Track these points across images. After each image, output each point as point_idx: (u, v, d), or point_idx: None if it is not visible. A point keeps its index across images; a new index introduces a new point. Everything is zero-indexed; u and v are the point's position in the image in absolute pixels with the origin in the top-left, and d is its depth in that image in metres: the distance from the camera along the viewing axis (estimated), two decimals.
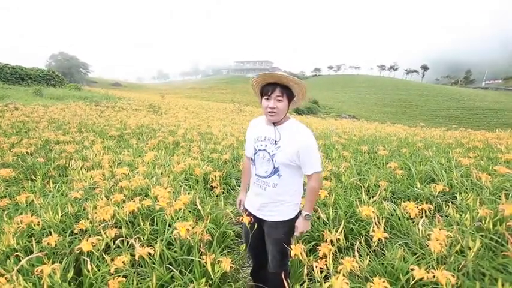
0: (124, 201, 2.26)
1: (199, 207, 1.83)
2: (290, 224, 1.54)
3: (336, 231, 1.81)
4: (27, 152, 3.99)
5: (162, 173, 2.97)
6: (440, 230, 1.55)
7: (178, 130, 5.79)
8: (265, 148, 1.48)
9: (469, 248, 1.57)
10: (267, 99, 1.41)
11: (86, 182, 2.84)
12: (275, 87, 1.40)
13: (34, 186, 2.98)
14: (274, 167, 1.46)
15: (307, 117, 17.06)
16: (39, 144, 4.56)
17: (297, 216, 1.56)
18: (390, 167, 3.16)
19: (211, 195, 2.98)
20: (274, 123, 1.48)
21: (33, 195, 2.37)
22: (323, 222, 2.26)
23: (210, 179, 3.00)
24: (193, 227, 1.74)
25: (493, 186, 2.58)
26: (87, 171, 3.14)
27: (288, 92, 1.42)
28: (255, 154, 1.54)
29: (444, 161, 3.59)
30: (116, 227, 1.99)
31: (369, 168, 3.48)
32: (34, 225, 1.88)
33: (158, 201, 1.98)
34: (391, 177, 3.21)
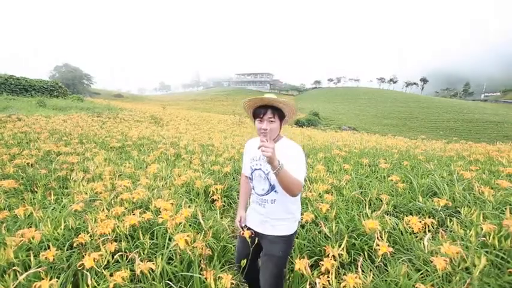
0: (124, 214, 2.24)
1: (201, 221, 1.81)
2: (289, 240, 1.58)
3: (339, 246, 1.79)
4: (28, 164, 3.99)
5: (163, 186, 2.96)
6: (448, 245, 1.53)
7: (180, 142, 5.81)
8: (261, 167, 1.55)
9: (474, 265, 1.54)
10: (260, 121, 1.48)
11: (86, 194, 2.83)
12: (266, 109, 1.47)
13: (34, 198, 2.97)
14: (270, 185, 1.53)
15: (308, 129, 17.13)
16: (40, 155, 4.57)
17: (296, 232, 1.61)
18: (392, 180, 3.14)
19: (212, 208, 2.96)
20: None
21: (32, 208, 2.35)
22: (325, 237, 2.23)
23: (211, 192, 2.98)
24: (193, 241, 1.72)
25: (495, 201, 2.56)
26: (88, 183, 3.14)
27: (279, 113, 1.50)
28: (252, 173, 1.61)
29: (446, 174, 3.58)
30: (115, 241, 1.97)
31: (370, 181, 3.46)
32: (32, 238, 1.86)
33: (159, 214, 1.97)
34: (392, 191, 3.19)
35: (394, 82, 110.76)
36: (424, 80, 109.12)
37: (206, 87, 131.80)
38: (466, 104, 63.38)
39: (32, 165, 4.08)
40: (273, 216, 1.56)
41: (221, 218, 2.65)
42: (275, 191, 1.52)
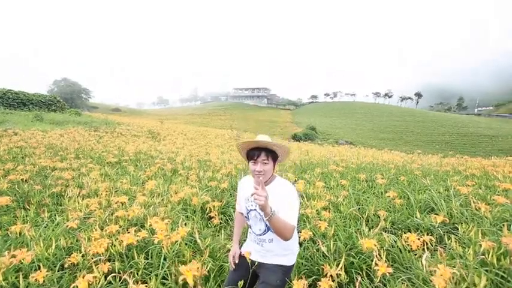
0: (119, 232, 2.20)
1: (198, 241, 1.78)
2: (288, 271, 1.59)
3: (337, 265, 1.76)
4: (22, 179, 3.94)
5: (159, 203, 2.92)
6: (444, 265, 1.52)
7: (177, 157, 5.79)
8: (256, 208, 1.57)
9: (475, 285, 1.52)
10: (254, 163, 1.51)
11: (81, 211, 2.78)
12: (260, 151, 1.50)
13: (27, 216, 2.91)
14: (266, 225, 1.55)
15: (305, 144, 17.19)
16: (35, 170, 4.52)
17: (294, 264, 1.64)
18: (389, 196, 3.14)
19: (209, 225, 2.92)
20: None
21: (25, 226, 2.30)
22: (323, 255, 2.20)
23: (208, 209, 2.95)
24: (190, 261, 1.69)
25: (493, 217, 2.56)
26: (83, 200, 3.09)
27: (272, 155, 1.53)
28: (248, 213, 1.63)
29: (442, 190, 3.58)
30: (109, 261, 1.92)
31: (368, 197, 3.45)
32: (23, 259, 1.81)
33: (154, 232, 1.93)
34: (390, 207, 3.18)
35: (390, 97, 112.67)
36: (418, 95, 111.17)
37: (204, 101, 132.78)
38: (461, 118, 64.41)
39: (26, 181, 4.02)
40: (271, 254, 1.58)
41: (218, 235, 2.61)
42: (271, 231, 1.53)
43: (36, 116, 15.66)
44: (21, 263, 1.84)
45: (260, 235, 1.58)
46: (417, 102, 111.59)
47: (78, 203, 3.00)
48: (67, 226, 2.30)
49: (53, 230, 2.48)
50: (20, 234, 2.31)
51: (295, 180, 3.96)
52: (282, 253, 1.57)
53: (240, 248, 1.74)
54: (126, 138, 10.61)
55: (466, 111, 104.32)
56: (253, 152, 1.51)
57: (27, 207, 3.13)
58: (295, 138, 31.25)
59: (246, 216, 1.66)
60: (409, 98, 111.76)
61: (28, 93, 23.07)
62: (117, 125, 15.52)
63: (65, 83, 62.61)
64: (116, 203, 2.77)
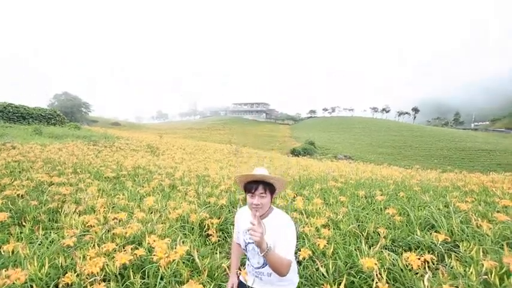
0: (116, 251, 2.16)
1: (196, 260, 1.76)
2: None
3: (338, 285, 1.72)
4: (18, 195, 3.90)
5: (157, 220, 2.89)
6: (447, 286, 1.49)
7: (176, 172, 5.77)
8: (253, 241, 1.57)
9: None
10: (251, 196, 1.53)
11: (77, 228, 2.74)
12: (258, 184, 1.51)
13: (21, 233, 2.86)
14: (264, 259, 1.53)
15: (303, 159, 17.18)
16: (32, 186, 4.47)
17: None
18: (388, 212, 3.12)
19: (207, 242, 2.87)
20: (260, 217, 1.56)
21: (19, 244, 2.26)
22: (322, 275, 2.16)
23: (206, 225, 2.91)
24: (187, 280, 1.65)
25: (494, 235, 2.53)
26: (80, 216, 3.05)
27: (270, 187, 1.55)
28: (246, 246, 1.63)
29: (442, 206, 3.57)
30: (104, 281, 1.87)
31: (367, 214, 3.43)
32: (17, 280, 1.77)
33: (152, 250, 1.90)
34: (390, 223, 3.15)
35: (387, 112, 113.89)
36: (415, 110, 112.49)
37: (203, 116, 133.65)
38: (458, 133, 64.95)
39: (22, 196, 3.97)
40: (270, 286, 1.58)
41: (216, 253, 2.56)
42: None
43: (36, 130, 15.67)
44: (14, 284, 1.79)
45: (259, 268, 1.58)
46: (414, 117, 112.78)
47: (75, 219, 2.96)
48: (62, 244, 2.26)
49: (48, 247, 2.43)
50: (12, 252, 2.26)
51: (294, 197, 3.94)
52: (282, 284, 1.56)
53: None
54: (124, 152, 10.59)
55: (463, 126, 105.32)
56: (251, 185, 1.52)
57: (23, 223, 3.09)
58: (294, 153, 31.26)
59: (244, 248, 1.66)
60: (407, 113, 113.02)
61: (28, 107, 23.23)
62: (116, 139, 15.53)
63: (65, 97, 63.13)
64: (113, 219, 2.74)
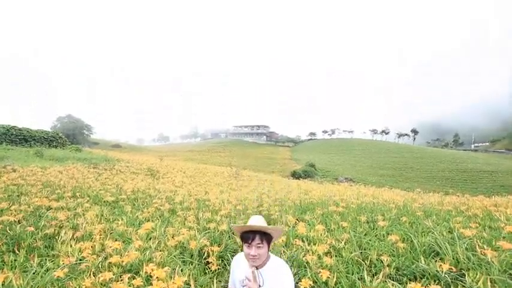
0: (112, 280, 2.10)
1: None
2: None
3: None
4: (14, 220, 3.84)
5: (155, 247, 2.83)
6: None
7: (175, 197, 5.73)
8: None
9: None
10: (248, 246, 1.51)
11: (73, 255, 2.68)
12: (255, 234, 1.50)
13: (15, 260, 2.79)
14: None
15: (304, 182, 17.04)
16: (30, 210, 4.42)
17: None
18: (391, 239, 3.06)
19: (206, 271, 2.79)
20: (257, 267, 1.55)
21: (11, 273, 2.20)
22: None
23: (206, 252, 2.85)
24: None
25: (500, 263, 2.47)
26: (77, 243, 2.99)
27: (267, 237, 1.54)
28: None
29: (446, 232, 3.51)
30: None
31: (370, 240, 3.36)
32: None
33: (150, 279, 1.85)
34: (393, 250, 3.08)
35: (386, 133, 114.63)
36: (414, 131, 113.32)
37: (204, 138, 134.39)
38: (458, 154, 64.93)
39: (19, 221, 3.92)
40: None
41: (216, 282, 2.49)
42: None
43: (37, 152, 15.74)
44: None
45: None
46: (414, 138, 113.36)
47: (71, 246, 2.90)
48: (55, 276, 2.20)
49: (42, 277, 2.36)
50: (4, 282, 2.20)
51: (295, 223, 3.88)
52: None
53: None
54: (125, 175, 10.56)
55: (463, 147, 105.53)
56: (248, 235, 1.49)
57: (17, 250, 3.02)
58: (295, 175, 31.08)
59: None
60: (406, 134, 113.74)
61: (31, 129, 23.55)
62: (116, 162, 15.53)
63: (68, 119, 64.03)
64: (111, 247, 2.69)
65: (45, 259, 2.79)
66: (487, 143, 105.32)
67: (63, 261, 2.53)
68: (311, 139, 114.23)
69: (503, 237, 3.24)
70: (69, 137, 41.47)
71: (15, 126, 22.39)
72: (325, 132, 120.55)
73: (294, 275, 2.10)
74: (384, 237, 3.47)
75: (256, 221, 1.54)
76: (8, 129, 21.36)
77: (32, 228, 3.53)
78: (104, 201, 5.45)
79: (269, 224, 3.85)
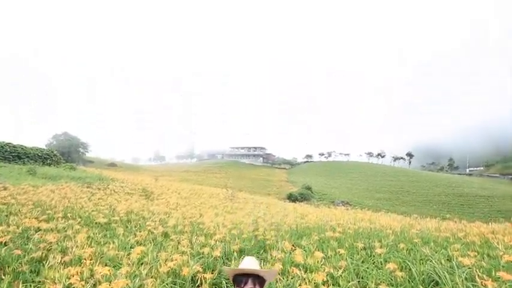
0: None
1: None
2: None
3: None
4: (0, 242, 3.70)
5: (146, 274, 2.73)
6: None
7: (169, 219, 5.61)
8: None
9: None
10: None
11: (60, 282, 2.57)
12: (247, 278, 1.46)
13: None
14: None
15: (300, 205, 16.80)
16: (18, 232, 4.27)
17: None
18: (389, 267, 3.00)
19: None
20: None
21: None
22: None
23: (198, 279, 2.76)
24: None
25: None
26: (65, 268, 2.88)
27: (260, 280, 1.49)
28: None
29: (444, 261, 3.45)
30: None
31: (367, 268, 3.29)
32: None
33: None
34: (391, 279, 3.01)
35: (382, 157, 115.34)
36: (410, 155, 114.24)
37: (200, 159, 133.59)
38: (454, 178, 65.15)
39: (5, 244, 3.77)
40: None
41: None
42: None
43: (30, 170, 15.45)
44: None
45: None
46: (410, 162, 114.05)
47: (59, 271, 2.79)
48: None
49: None
50: None
51: (292, 249, 3.79)
52: None
53: None
54: (119, 196, 10.36)
55: (458, 171, 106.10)
56: (240, 278, 1.45)
57: (1, 276, 2.89)
58: (291, 198, 30.69)
59: None
60: (402, 158, 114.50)
61: (26, 146, 23.29)
62: (111, 181, 15.29)
63: (64, 137, 63.66)
64: (100, 272, 2.59)
65: (31, 285, 2.67)
66: (481, 167, 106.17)
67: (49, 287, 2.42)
68: (307, 161, 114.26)
69: (503, 267, 3.19)
70: (64, 155, 41.05)
71: (10, 143, 22.16)
72: (321, 154, 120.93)
73: None
74: (381, 264, 3.40)
75: (249, 264, 1.49)
76: (2, 146, 21.12)
77: (19, 252, 3.40)
78: (96, 223, 5.31)
79: (264, 251, 3.77)
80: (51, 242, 3.78)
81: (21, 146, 22.92)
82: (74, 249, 3.51)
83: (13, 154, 21.48)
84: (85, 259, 3.12)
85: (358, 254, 3.76)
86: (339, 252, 3.61)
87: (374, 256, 3.70)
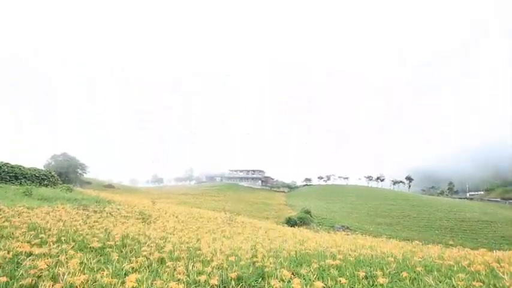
0: None
1: None
2: None
3: None
4: None
5: None
6: None
7: (166, 245, 5.47)
8: None
9: None
10: None
11: None
12: None
13: None
14: None
15: (299, 230, 16.42)
16: (9, 257, 4.14)
17: None
18: None
19: None
20: None
21: None
22: None
23: None
24: None
25: None
26: None
27: None
28: None
29: None
30: None
31: None
32: None
33: None
34: None
35: (382, 180, 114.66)
36: (409, 179, 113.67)
37: (198, 181, 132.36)
38: (454, 203, 64.28)
39: None
40: None
41: None
42: None
43: (26, 191, 15.25)
44: None
45: None
46: (409, 186, 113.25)
47: None
48: None
49: None
50: None
51: (291, 278, 3.67)
52: None
53: None
54: (115, 219, 10.13)
55: (458, 195, 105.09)
56: None
57: None
58: (290, 222, 29.93)
59: None
60: (401, 181, 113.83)
61: (24, 167, 23.18)
62: (107, 204, 15.01)
63: (63, 157, 63.50)
64: None
65: None
66: (482, 192, 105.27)
67: None
68: (306, 185, 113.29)
69: None
70: (62, 176, 40.70)
71: (7, 163, 22.07)
72: (320, 178, 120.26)
73: None
74: None
75: None
76: (0, 166, 21.00)
77: (6, 279, 3.28)
78: (90, 248, 5.17)
79: (263, 279, 3.67)
80: (42, 268, 3.66)
81: (19, 166, 22.81)
82: (65, 276, 3.40)
83: (10, 174, 21.33)
84: (77, 287, 3.02)
85: (359, 283, 3.64)
86: (340, 281, 3.50)
87: (376, 286, 3.58)
